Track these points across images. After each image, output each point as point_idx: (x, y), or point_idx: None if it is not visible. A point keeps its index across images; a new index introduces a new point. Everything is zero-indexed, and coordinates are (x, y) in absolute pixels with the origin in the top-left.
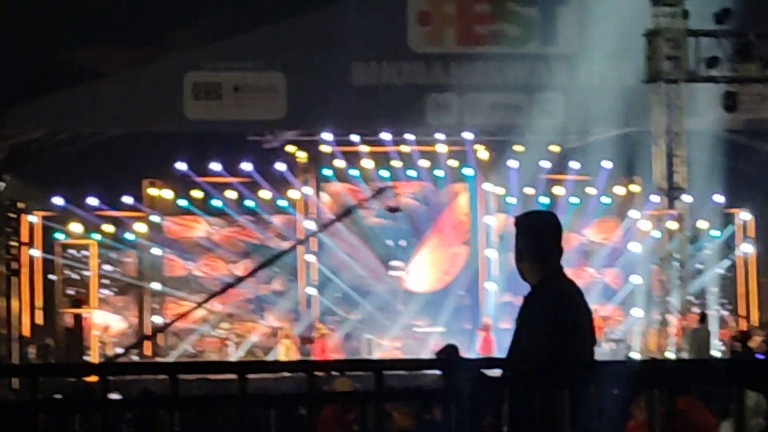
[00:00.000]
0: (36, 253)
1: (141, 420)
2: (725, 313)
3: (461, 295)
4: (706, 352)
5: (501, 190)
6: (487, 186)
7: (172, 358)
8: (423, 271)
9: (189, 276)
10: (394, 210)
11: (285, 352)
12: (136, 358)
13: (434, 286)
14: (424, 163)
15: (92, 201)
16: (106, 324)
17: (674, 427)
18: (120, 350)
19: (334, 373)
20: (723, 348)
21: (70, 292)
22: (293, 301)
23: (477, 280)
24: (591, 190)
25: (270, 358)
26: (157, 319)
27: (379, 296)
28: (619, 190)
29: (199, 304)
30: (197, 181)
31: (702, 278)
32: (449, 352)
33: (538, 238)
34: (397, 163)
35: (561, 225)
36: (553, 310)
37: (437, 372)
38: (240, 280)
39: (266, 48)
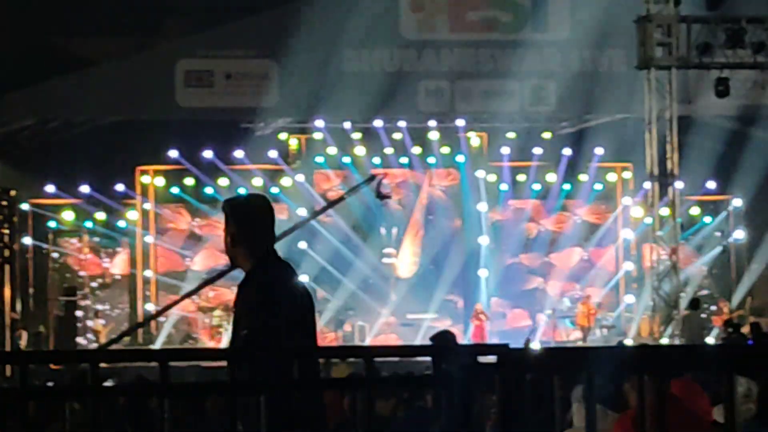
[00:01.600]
0: (28, 240)
1: (132, 407)
2: (717, 299)
3: (430, 269)
4: (700, 337)
5: (493, 177)
6: (479, 173)
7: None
8: (404, 257)
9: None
10: (385, 197)
11: None
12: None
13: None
14: (416, 150)
15: (84, 189)
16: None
17: (666, 414)
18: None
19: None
20: (716, 333)
21: (62, 279)
22: None
23: (469, 267)
24: (583, 177)
25: None
26: (150, 307)
27: (371, 283)
28: (612, 177)
29: (192, 292)
30: (189, 169)
31: (694, 264)
32: (444, 339)
33: (248, 222)
34: (389, 150)
35: (272, 209)
36: (267, 295)
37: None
38: (231, 268)
39: (258, 35)
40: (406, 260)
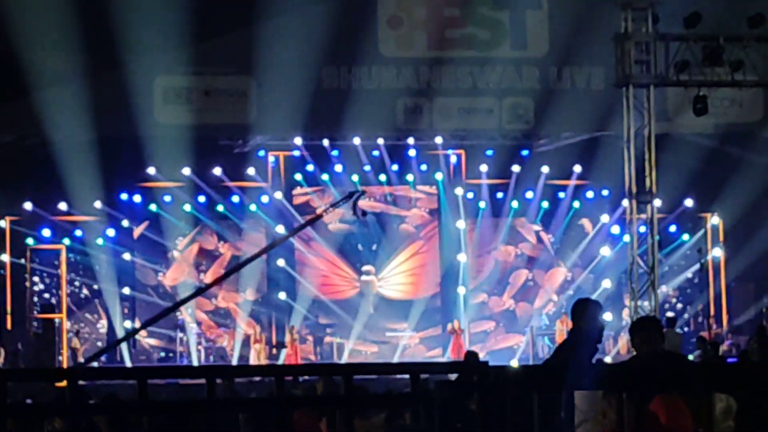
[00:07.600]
0: (5, 258)
1: (110, 424)
2: (695, 317)
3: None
4: None
5: (471, 194)
6: (458, 190)
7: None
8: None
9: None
10: (362, 214)
11: (256, 356)
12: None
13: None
14: (395, 168)
15: (62, 206)
16: (76, 329)
17: (643, 430)
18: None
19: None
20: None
21: (40, 297)
22: (265, 305)
23: (448, 283)
24: (561, 194)
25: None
26: (128, 324)
27: (350, 300)
28: (590, 194)
29: (169, 311)
30: (168, 186)
31: (672, 282)
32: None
33: None
34: (367, 168)
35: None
36: None
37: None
38: (210, 285)
39: (237, 52)
40: (395, 280)
